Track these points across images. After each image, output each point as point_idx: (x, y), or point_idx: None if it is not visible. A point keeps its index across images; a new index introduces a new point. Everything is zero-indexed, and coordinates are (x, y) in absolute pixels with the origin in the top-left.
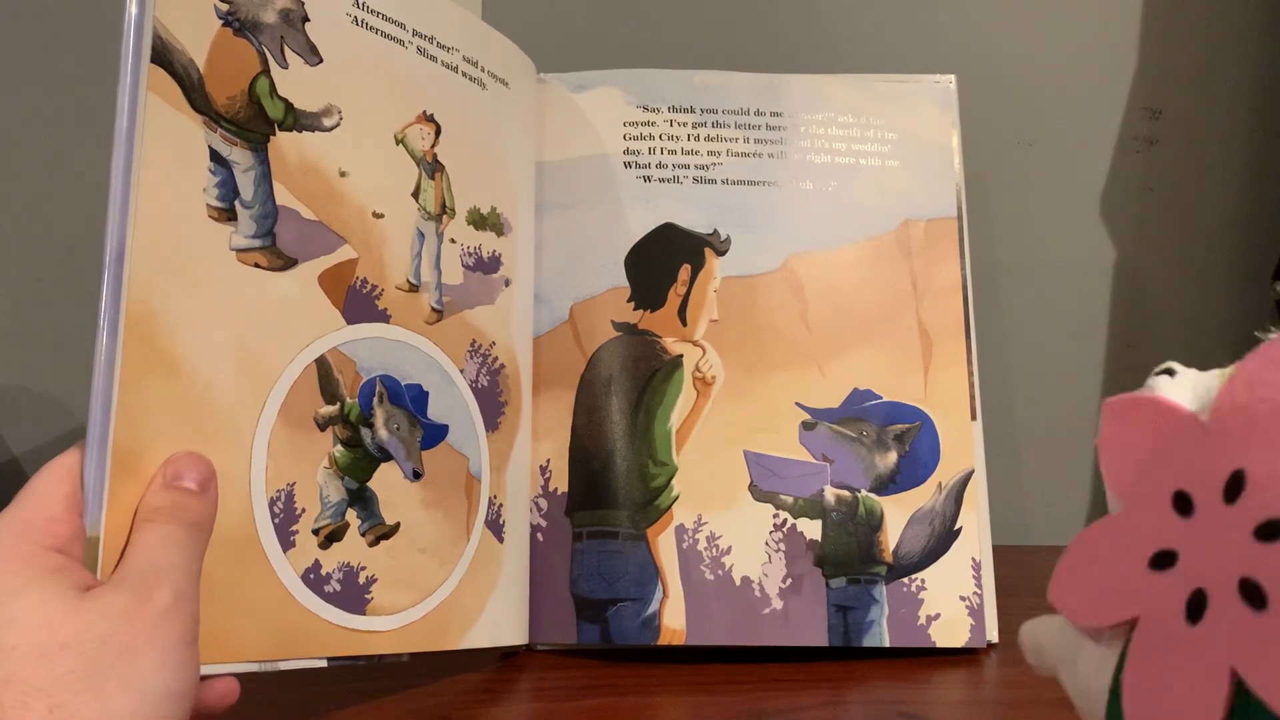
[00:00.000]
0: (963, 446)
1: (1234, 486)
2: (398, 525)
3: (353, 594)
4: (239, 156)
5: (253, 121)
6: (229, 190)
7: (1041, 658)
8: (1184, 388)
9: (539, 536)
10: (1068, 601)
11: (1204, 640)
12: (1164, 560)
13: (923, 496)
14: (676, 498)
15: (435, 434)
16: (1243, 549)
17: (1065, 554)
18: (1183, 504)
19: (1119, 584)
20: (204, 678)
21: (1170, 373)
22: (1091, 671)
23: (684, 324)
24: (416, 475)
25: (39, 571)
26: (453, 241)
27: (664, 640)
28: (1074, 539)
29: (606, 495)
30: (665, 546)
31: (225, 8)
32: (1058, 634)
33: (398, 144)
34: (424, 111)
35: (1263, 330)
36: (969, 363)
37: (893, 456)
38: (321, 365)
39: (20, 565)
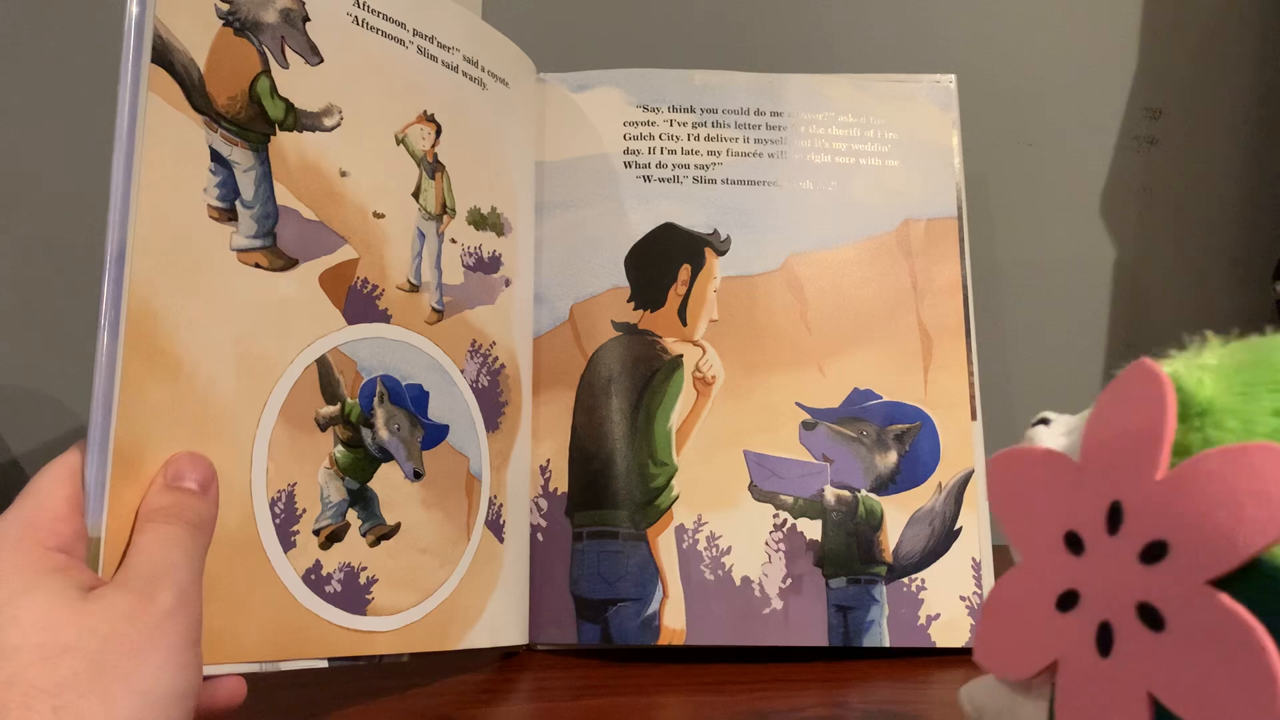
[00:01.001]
0: (963, 446)
1: (1114, 517)
2: (398, 525)
3: (353, 594)
4: (239, 156)
5: (253, 121)
6: (229, 190)
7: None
8: (1057, 434)
9: (539, 536)
10: (991, 659)
11: (1118, 671)
12: (1068, 601)
13: (923, 496)
14: (676, 498)
15: (436, 434)
16: (1133, 575)
17: (980, 614)
18: (1074, 543)
19: (1033, 632)
20: (205, 678)
21: (1045, 422)
22: None
23: (684, 324)
24: (417, 475)
25: (42, 571)
26: (453, 241)
27: (664, 640)
28: (986, 598)
29: (606, 495)
30: (665, 546)
31: (226, 7)
32: (992, 693)
33: (398, 144)
34: (424, 111)
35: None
36: (969, 363)
37: (893, 456)
38: (322, 365)
39: (23, 565)
